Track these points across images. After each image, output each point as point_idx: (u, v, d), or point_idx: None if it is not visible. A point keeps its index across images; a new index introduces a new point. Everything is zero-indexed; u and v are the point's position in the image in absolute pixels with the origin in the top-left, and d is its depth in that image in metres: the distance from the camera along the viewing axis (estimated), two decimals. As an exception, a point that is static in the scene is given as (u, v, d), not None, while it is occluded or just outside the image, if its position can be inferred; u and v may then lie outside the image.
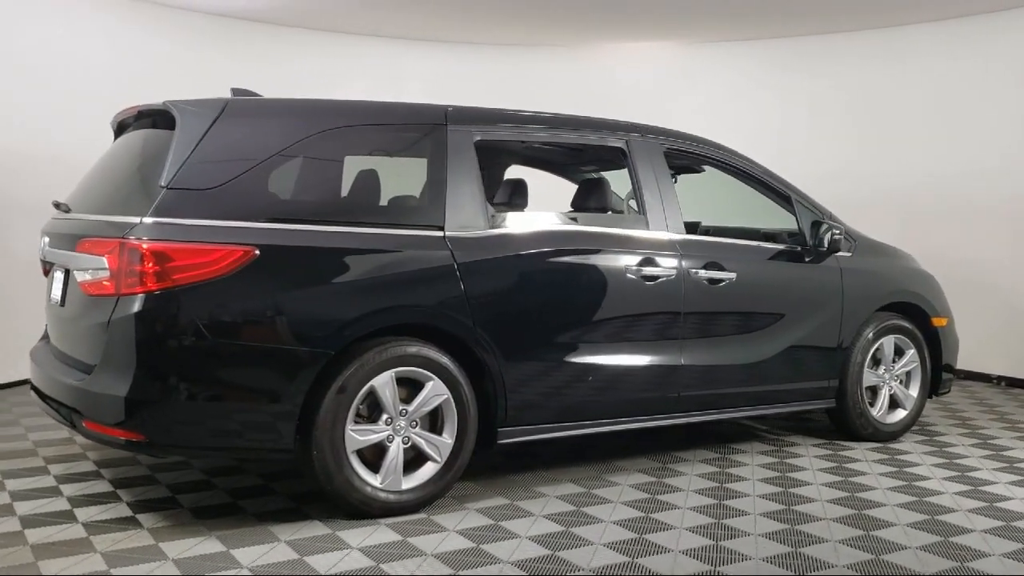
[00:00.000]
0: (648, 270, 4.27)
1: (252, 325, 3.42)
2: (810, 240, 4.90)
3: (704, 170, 5.41)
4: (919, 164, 7.37)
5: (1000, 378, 7.03)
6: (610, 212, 4.92)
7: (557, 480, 4.24)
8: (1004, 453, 4.92)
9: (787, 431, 5.38)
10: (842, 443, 5.08)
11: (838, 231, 4.83)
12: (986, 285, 6.96)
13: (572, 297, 4.12)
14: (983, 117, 7.05)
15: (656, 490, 4.12)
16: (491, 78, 8.28)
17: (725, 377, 4.58)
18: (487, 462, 4.40)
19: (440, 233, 3.80)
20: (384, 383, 3.63)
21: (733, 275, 4.54)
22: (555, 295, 4.06)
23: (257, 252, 3.41)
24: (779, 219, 5.18)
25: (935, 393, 5.39)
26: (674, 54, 8.50)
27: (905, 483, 4.32)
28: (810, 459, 4.73)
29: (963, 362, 6.06)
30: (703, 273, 4.44)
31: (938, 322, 5.33)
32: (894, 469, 4.56)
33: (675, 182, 5.31)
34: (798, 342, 4.79)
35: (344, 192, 3.86)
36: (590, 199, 4.62)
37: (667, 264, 4.34)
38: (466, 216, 3.89)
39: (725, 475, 4.40)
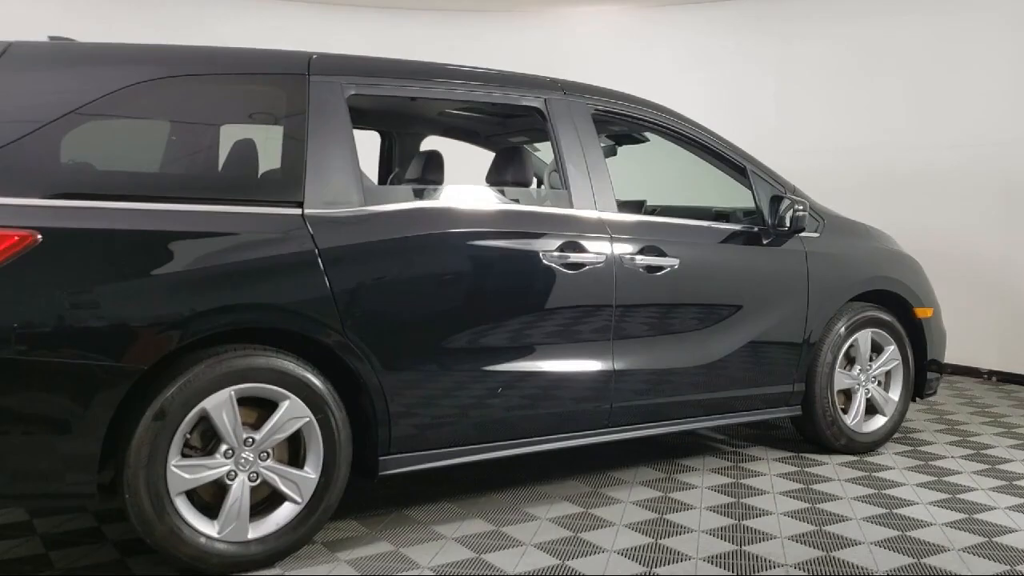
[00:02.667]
0: (571, 256, 3.48)
1: (33, 334, 2.61)
2: (769, 218, 4.12)
3: (648, 139, 4.63)
4: (901, 136, 6.63)
5: (991, 373, 6.31)
6: (537, 188, 4.14)
7: (461, 516, 3.46)
8: (1002, 467, 4.18)
9: (747, 441, 4.62)
10: (810, 456, 4.33)
11: (801, 207, 4.06)
12: (975, 270, 6.23)
13: (473, 291, 3.33)
14: (973, 82, 6.30)
15: (583, 525, 3.35)
16: (434, 46, 7.43)
17: (667, 384, 3.81)
18: (368, 495, 3.61)
19: (297, 211, 3.00)
20: (220, 405, 2.84)
21: (675, 261, 3.76)
22: (452, 288, 3.27)
23: (39, 237, 2.60)
24: (739, 197, 4.41)
25: (919, 395, 4.65)
26: (630, 19, 7.71)
27: (885, 510, 3.57)
28: (771, 478, 3.97)
29: (951, 356, 5.28)
30: (639, 260, 3.66)
31: (922, 313, 4.57)
32: (871, 491, 3.81)
33: (614, 153, 4.55)
34: (756, 340, 4.03)
35: (169, 160, 3.06)
36: (506, 172, 3.82)
37: (594, 249, 3.55)
38: (334, 190, 3.09)
39: (668, 501, 3.63)
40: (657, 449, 4.34)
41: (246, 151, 3.12)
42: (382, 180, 4.72)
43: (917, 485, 3.89)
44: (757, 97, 7.32)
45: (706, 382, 3.92)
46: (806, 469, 4.13)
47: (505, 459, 3.47)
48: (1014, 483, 3.93)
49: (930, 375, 4.64)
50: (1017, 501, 3.69)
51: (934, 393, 4.73)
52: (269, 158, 3.16)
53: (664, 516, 3.47)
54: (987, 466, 4.19)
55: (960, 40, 6.36)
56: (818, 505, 3.62)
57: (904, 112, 6.62)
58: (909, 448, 4.51)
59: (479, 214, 3.39)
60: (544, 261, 3.43)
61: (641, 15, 7.66)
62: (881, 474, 4.05)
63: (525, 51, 7.56)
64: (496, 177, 3.79)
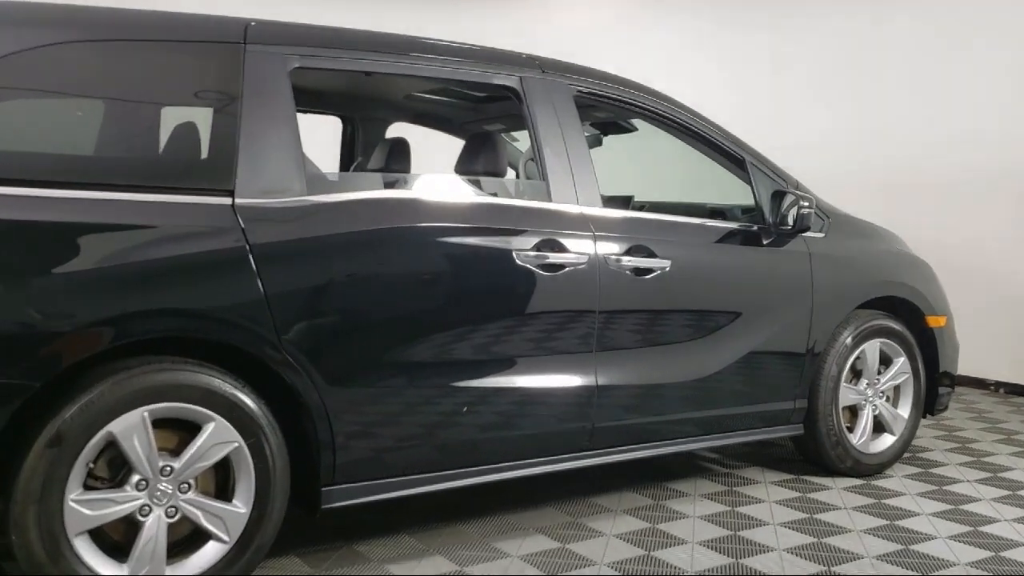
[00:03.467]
0: (549, 256, 3.06)
1: None
2: (770, 216, 3.71)
3: (636, 128, 4.22)
4: (903, 131, 6.24)
5: (999, 384, 5.93)
6: (513, 179, 3.71)
7: (421, 552, 3.03)
8: (1023, 493, 3.78)
9: (742, 461, 4.21)
10: (812, 480, 3.92)
11: (807, 204, 3.65)
12: (983, 275, 5.84)
13: (435, 295, 2.90)
14: (982, 76, 5.92)
15: (559, 564, 2.92)
16: (417, 31, 7.01)
17: (656, 400, 3.39)
18: (314, 527, 3.18)
19: (227, 201, 2.56)
20: (131, 428, 2.39)
21: (667, 263, 3.34)
22: (409, 292, 2.84)
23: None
24: (737, 194, 4.01)
25: (930, 412, 4.25)
26: (619, 6, 7.29)
27: (900, 545, 3.17)
28: (771, 506, 3.56)
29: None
30: (627, 261, 3.24)
31: (935, 322, 4.18)
32: (883, 522, 3.40)
33: (599, 144, 4.13)
34: (754, 351, 3.61)
35: (71, 140, 2.61)
36: (477, 160, 3.39)
37: (576, 248, 3.13)
38: (271, 177, 2.65)
39: (656, 534, 3.21)
40: (644, 471, 3.93)
41: (167, 130, 2.67)
42: (344, 171, 4.28)
43: (932, 515, 3.49)
44: (751, 89, 6.93)
45: (700, 399, 3.51)
46: (809, 495, 3.72)
47: (468, 490, 3.04)
48: (1040, 513, 3.54)
49: (942, 390, 4.24)
50: (1045, 534, 3.30)
51: (945, 409, 4.34)
52: (195, 139, 2.72)
53: (652, 553, 3.05)
54: (1007, 492, 3.79)
55: (966, 32, 5.97)
56: (824, 540, 3.21)
57: (908, 107, 6.24)
58: (919, 470, 4.11)
59: (443, 207, 2.96)
60: (518, 261, 3.00)
61: (631, 2, 7.26)
62: (891, 501, 3.65)
63: (505, 38, 7.12)
64: (465, 166, 3.36)
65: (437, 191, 3.04)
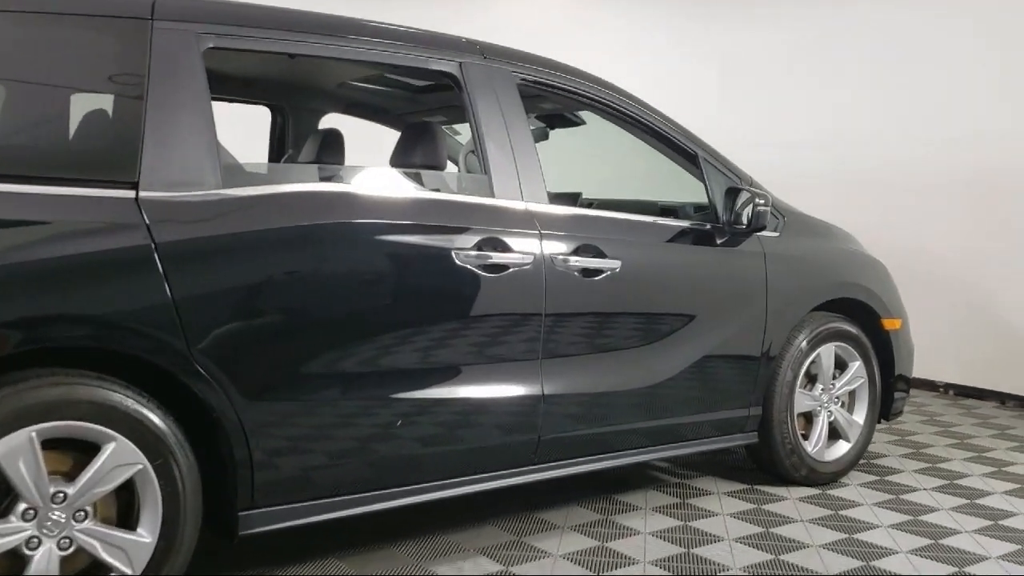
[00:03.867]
0: (491, 256, 2.83)
1: None
2: (724, 214, 3.53)
3: (584, 121, 4.02)
4: (856, 132, 6.15)
5: (948, 386, 5.87)
6: (453, 172, 3.48)
7: (352, 576, 2.79)
8: (982, 503, 3.66)
9: (694, 470, 4.03)
10: (767, 490, 3.76)
11: (763, 202, 3.48)
12: (935, 278, 5.76)
13: (365, 298, 2.65)
14: (930, 73, 5.85)
15: (499, 590, 2.71)
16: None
17: (606, 410, 3.19)
18: (234, 551, 2.91)
19: (129, 194, 2.29)
20: (16, 451, 2.11)
21: (617, 264, 3.14)
22: (336, 295, 2.59)
23: None
24: (690, 191, 3.83)
25: (886, 417, 4.12)
26: (565, 1, 7.11)
27: (861, 562, 3.00)
28: (725, 520, 3.39)
29: (910, 371, 4.82)
30: (574, 261, 3.03)
31: (890, 325, 4.05)
32: (841, 536, 3.24)
33: (545, 137, 3.92)
34: (708, 356, 3.43)
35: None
36: (413, 152, 3.14)
37: (521, 247, 2.91)
38: (181, 168, 2.38)
39: (606, 553, 3.00)
40: (592, 482, 3.72)
41: (61, 113, 2.38)
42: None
43: (892, 527, 3.34)
44: (698, 87, 6.78)
45: (651, 407, 3.32)
46: (764, 507, 3.55)
47: (403, 510, 2.80)
48: (1000, 523, 3.41)
49: (897, 394, 4.12)
50: (1010, 548, 3.16)
51: (900, 414, 4.22)
52: (99, 126, 2.44)
53: (601, 574, 2.85)
54: (965, 500, 3.67)
55: (916, 29, 5.90)
56: (782, 557, 3.03)
57: (855, 105, 6.14)
58: (875, 478, 3.97)
59: (375, 202, 2.71)
60: (458, 262, 2.77)
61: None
62: (849, 512, 3.50)
63: (450, 29, 6.90)
64: (402, 159, 3.11)
65: (368, 185, 2.80)
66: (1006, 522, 3.42)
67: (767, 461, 3.79)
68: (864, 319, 3.98)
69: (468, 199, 2.93)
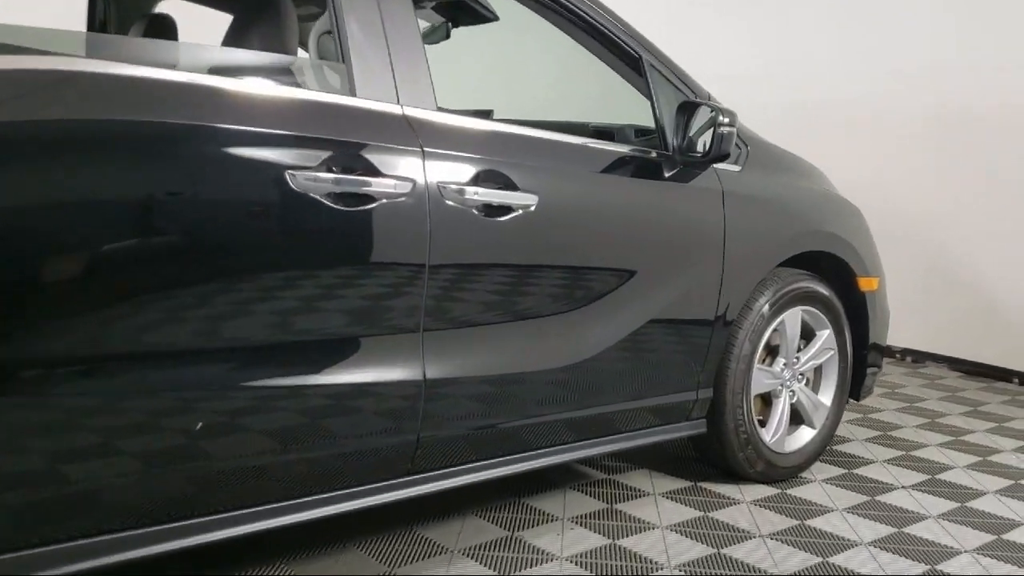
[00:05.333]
0: (346, 181, 1.94)
1: None
2: (674, 138, 2.70)
3: (496, 16, 3.11)
4: (813, 65, 5.36)
5: (906, 352, 5.22)
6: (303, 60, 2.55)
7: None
8: (974, 506, 2.96)
9: (625, 461, 3.25)
10: (714, 489, 3.00)
11: (727, 121, 2.64)
12: (896, 230, 5.05)
13: (152, 241, 1.74)
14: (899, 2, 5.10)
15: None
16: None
17: (513, 399, 2.36)
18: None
19: None
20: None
21: (533, 199, 2.28)
22: (106, 232, 1.67)
23: None
24: (635, 114, 2.99)
25: (855, 396, 3.40)
26: None
27: (843, 602, 2.27)
28: (664, 535, 2.61)
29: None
30: (473, 193, 2.16)
31: (867, 285, 3.30)
32: (815, 559, 2.50)
33: (446, 36, 3.03)
34: (649, 324, 2.63)
35: None
36: (247, 34, 2.20)
37: (393, 170, 2.03)
38: None
39: (508, 595, 2.21)
40: (495, 483, 2.89)
41: None
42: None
43: (874, 545, 2.61)
44: (630, 15, 5.90)
45: (575, 392, 2.51)
46: (712, 515, 2.79)
47: (238, 542, 1.93)
48: (1005, 537, 2.71)
49: (869, 369, 3.39)
50: (1015, 572, 2.47)
51: (870, 393, 3.50)
52: None
53: (499, 633, 2.04)
54: (955, 503, 2.97)
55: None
56: (743, 596, 2.28)
57: (803, 36, 5.36)
58: (842, 471, 3.25)
59: (170, 90, 1.78)
60: (295, 187, 1.87)
61: None
62: (818, 523, 2.76)
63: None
64: (232, 41, 2.18)
65: (167, 71, 1.86)
66: (1009, 536, 2.73)
67: (717, 454, 3.03)
68: (834, 277, 3.23)
69: (315, 96, 2.02)
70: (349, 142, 1.97)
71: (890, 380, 4.72)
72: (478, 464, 2.33)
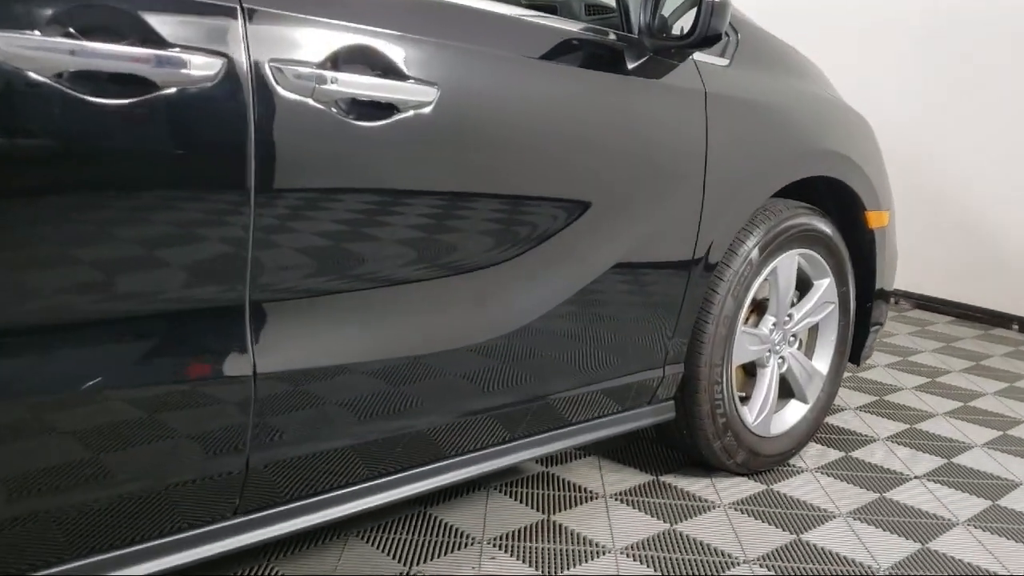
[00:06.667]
0: (99, 58, 1.13)
1: None
2: (641, 15, 1.90)
3: None
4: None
5: (905, 296, 4.57)
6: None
7: None
8: (1005, 505, 2.32)
9: (570, 456, 2.54)
10: (680, 486, 2.31)
11: (716, -6, 1.84)
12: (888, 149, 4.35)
13: None
14: None
15: None
16: None
17: (402, 395, 1.60)
18: None
19: None
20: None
21: (430, 93, 1.49)
22: None
23: None
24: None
25: (856, 360, 2.71)
26: None
27: None
28: (617, 560, 1.92)
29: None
30: (331, 80, 1.36)
31: (877, 220, 2.58)
32: (822, 602, 1.83)
33: None
34: (603, 278, 1.88)
35: None
36: None
37: (186, 40, 1.21)
38: None
39: None
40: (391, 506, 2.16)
41: None
42: None
43: (894, 570, 1.95)
44: None
45: (499, 376, 1.75)
46: (678, 527, 2.10)
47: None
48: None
49: (873, 327, 2.71)
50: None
51: (871, 355, 2.83)
52: None
53: None
54: (986, 501, 2.32)
55: None
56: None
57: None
58: (839, 455, 2.58)
59: None
60: (34, 75, 1.07)
61: None
62: (815, 536, 2.09)
63: None
64: None
65: None
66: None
67: (688, 443, 2.33)
68: (840, 210, 2.51)
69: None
70: (119, 4, 1.15)
71: (886, 328, 4.06)
72: (346, 492, 1.57)
